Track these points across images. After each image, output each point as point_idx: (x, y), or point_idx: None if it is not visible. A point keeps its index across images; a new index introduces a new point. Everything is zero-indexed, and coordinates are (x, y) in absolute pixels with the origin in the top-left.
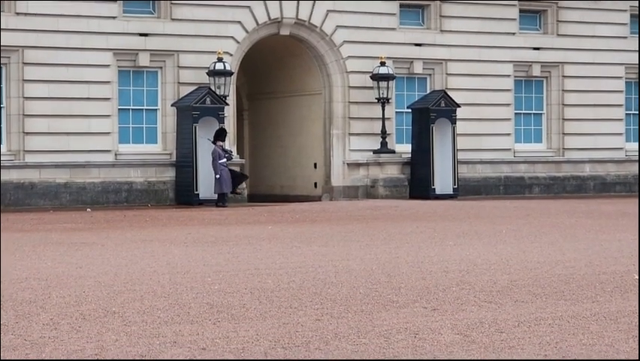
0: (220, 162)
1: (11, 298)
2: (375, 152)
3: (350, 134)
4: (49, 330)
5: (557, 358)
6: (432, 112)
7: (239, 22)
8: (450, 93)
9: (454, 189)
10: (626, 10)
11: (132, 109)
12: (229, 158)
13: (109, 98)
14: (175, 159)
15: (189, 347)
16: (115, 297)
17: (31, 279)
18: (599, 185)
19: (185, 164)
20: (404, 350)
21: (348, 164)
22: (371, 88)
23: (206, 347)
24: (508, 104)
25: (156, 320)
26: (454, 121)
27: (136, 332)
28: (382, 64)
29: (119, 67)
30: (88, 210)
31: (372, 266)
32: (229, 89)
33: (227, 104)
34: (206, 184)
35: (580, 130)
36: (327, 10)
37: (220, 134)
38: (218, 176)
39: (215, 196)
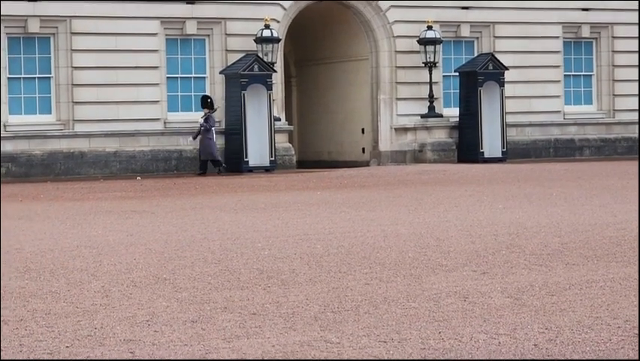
0: (203, 128)
1: (63, 267)
2: (422, 116)
3: (397, 98)
4: (100, 297)
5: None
6: (479, 75)
7: None
8: (498, 56)
9: (502, 152)
10: None
11: (180, 77)
12: (203, 126)
13: (157, 67)
14: (224, 127)
15: (240, 313)
16: (165, 264)
17: (82, 247)
18: None
19: (234, 131)
20: (454, 313)
21: (395, 129)
22: (418, 52)
23: (257, 312)
24: (557, 66)
25: (207, 286)
26: (502, 84)
27: (186, 298)
28: (429, 28)
29: (166, 35)
30: (138, 178)
31: (420, 230)
32: (277, 56)
33: (275, 71)
34: (255, 151)
35: (630, 91)
36: None
37: (203, 102)
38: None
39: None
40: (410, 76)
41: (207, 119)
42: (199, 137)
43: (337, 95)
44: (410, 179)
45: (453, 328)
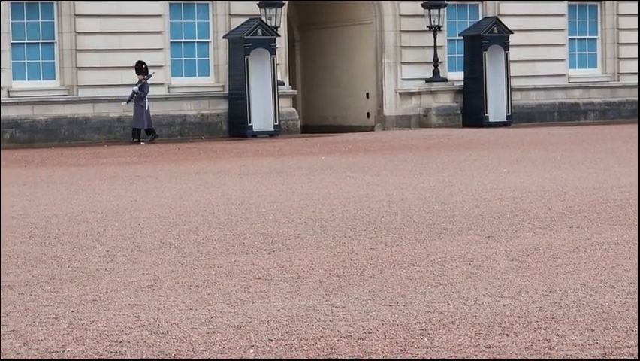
0: (136, 96)
1: (67, 232)
2: (427, 80)
3: (402, 63)
4: (105, 262)
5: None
6: (484, 39)
7: None
8: (502, 19)
9: (507, 116)
10: None
11: (184, 42)
12: (136, 94)
13: (160, 32)
14: (228, 92)
15: (244, 277)
16: (170, 229)
17: (87, 212)
18: None
19: (238, 96)
20: (458, 276)
21: (400, 93)
22: (422, 16)
23: (262, 276)
24: (561, 30)
25: (211, 250)
26: (506, 48)
27: (191, 263)
28: None
29: (169, 0)
30: (142, 143)
31: (425, 195)
32: (280, 20)
33: (278, 35)
34: (259, 116)
35: (635, 54)
36: None
37: (137, 69)
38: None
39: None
40: (414, 40)
41: (142, 86)
42: (133, 104)
43: (341, 59)
44: (415, 143)
45: (458, 291)
